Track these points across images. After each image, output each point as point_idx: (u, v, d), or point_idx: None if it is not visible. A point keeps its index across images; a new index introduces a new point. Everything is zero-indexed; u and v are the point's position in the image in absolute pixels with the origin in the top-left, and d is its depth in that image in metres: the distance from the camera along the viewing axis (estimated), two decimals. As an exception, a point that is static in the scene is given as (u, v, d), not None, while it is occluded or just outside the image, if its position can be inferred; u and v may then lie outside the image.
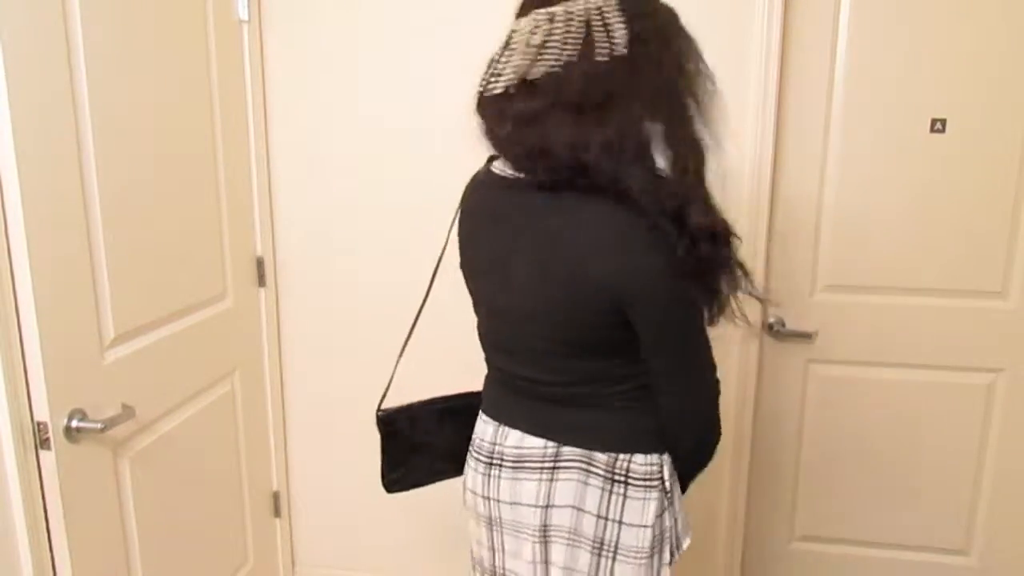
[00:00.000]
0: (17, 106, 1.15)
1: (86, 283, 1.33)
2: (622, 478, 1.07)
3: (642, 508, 1.07)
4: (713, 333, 1.04)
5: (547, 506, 1.11)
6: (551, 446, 1.10)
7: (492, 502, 1.17)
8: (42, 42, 1.21)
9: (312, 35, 1.89)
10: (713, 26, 1.75)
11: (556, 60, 0.91)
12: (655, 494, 1.07)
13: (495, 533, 1.19)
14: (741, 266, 0.99)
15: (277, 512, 2.13)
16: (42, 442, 1.25)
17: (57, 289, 1.25)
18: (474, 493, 1.20)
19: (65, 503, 1.28)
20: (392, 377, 1.35)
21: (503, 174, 1.05)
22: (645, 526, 1.07)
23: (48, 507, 1.28)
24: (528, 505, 1.12)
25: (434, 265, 1.30)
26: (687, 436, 1.09)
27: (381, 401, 1.33)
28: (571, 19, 0.91)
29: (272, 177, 1.98)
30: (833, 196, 1.86)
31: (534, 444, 1.11)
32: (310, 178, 1.98)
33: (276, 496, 2.11)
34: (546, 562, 1.14)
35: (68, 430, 1.28)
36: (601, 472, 1.08)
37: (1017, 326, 1.86)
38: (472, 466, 1.21)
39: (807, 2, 1.77)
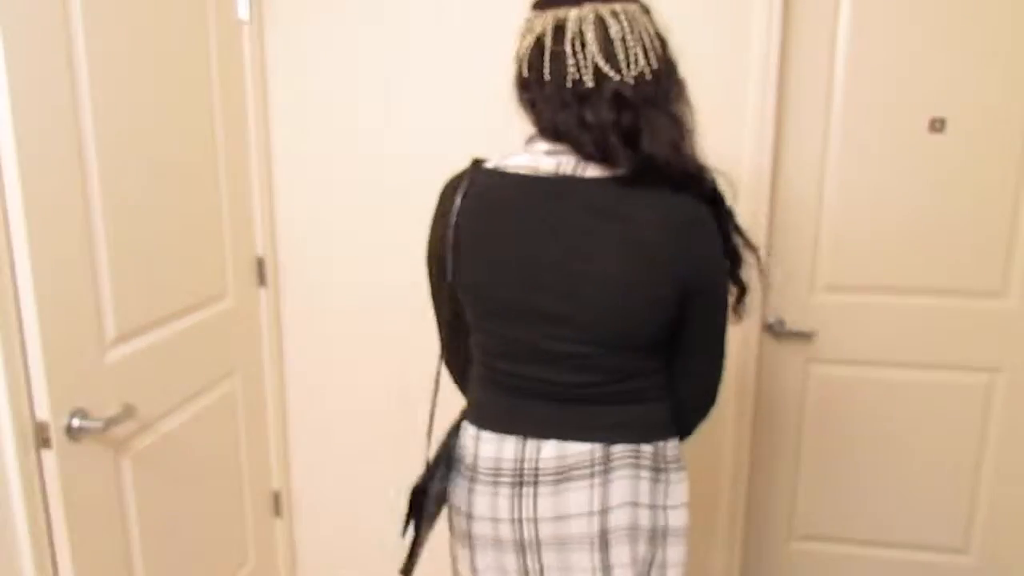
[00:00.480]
0: (18, 106, 1.15)
1: (87, 283, 1.33)
2: (664, 465, 1.11)
3: (680, 489, 1.13)
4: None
5: (603, 510, 1.07)
6: (599, 448, 1.06)
7: (525, 523, 1.08)
8: (43, 42, 1.21)
9: (313, 35, 1.90)
10: (713, 26, 1.75)
11: (636, 58, 0.94)
12: (684, 473, 1.13)
13: (529, 555, 1.10)
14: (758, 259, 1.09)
15: (277, 512, 2.13)
16: (43, 441, 1.25)
17: (58, 289, 1.25)
18: (494, 519, 1.10)
19: (66, 502, 1.28)
20: (430, 434, 1.17)
21: (537, 174, 1.01)
22: (684, 504, 1.14)
23: (49, 506, 1.28)
24: (580, 515, 1.07)
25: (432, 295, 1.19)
26: (694, 416, 1.16)
27: (427, 471, 1.14)
28: (633, 20, 0.95)
29: (272, 177, 1.98)
30: (833, 196, 1.86)
31: (579, 450, 1.06)
32: (310, 178, 1.98)
33: (276, 496, 2.12)
34: (606, 566, 1.09)
35: (69, 429, 1.28)
36: (648, 463, 1.09)
37: (1017, 326, 1.87)
38: (486, 491, 1.10)
39: (807, 2, 1.77)
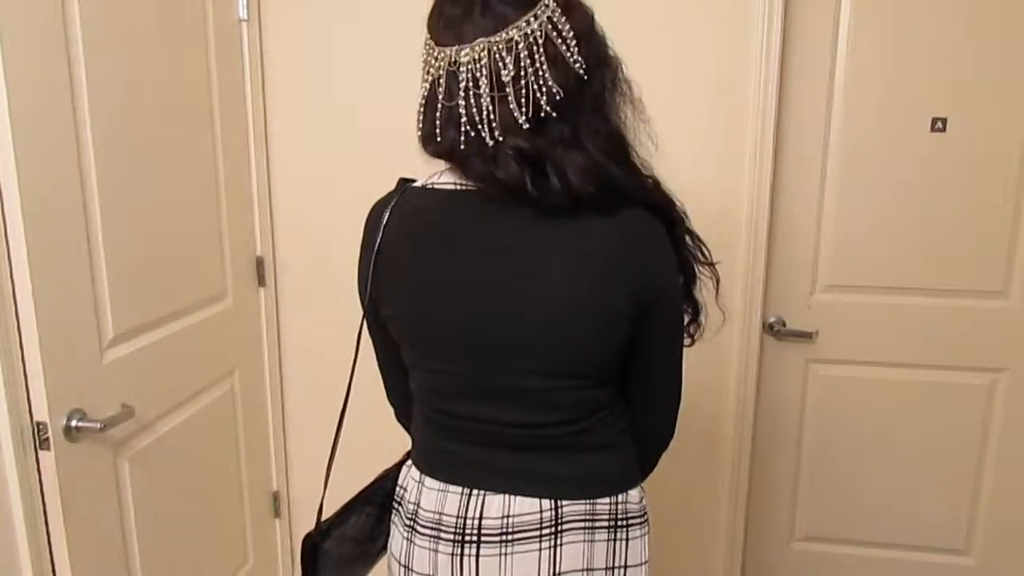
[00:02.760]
0: (16, 106, 1.15)
1: (85, 283, 1.33)
2: (623, 522, 1.01)
3: (640, 546, 1.03)
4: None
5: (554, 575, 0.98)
6: (549, 507, 0.96)
7: None
8: (41, 42, 1.21)
9: (312, 34, 1.89)
10: (713, 27, 1.75)
11: (534, 100, 0.84)
12: (647, 527, 1.04)
13: None
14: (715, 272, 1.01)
15: (277, 512, 2.13)
16: (41, 442, 1.24)
17: (56, 289, 1.25)
18: None
19: (64, 503, 1.28)
20: (330, 469, 1.14)
21: (469, 188, 0.91)
22: (645, 563, 1.04)
23: (47, 507, 1.27)
24: None
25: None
26: (653, 448, 1.07)
27: (319, 517, 1.11)
28: (533, 45, 0.84)
29: (272, 177, 1.98)
30: (833, 195, 1.86)
31: (529, 509, 0.96)
32: (310, 178, 1.97)
33: (276, 496, 2.11)
34: None
35: (67, 430, 1.28)
36: (605, 523, 1.00)
37: (1017, 326, 1.86)
38: (426, 545, 1.00)
39: (807, 2, 1.77)
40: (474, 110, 0.85)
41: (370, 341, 1.10)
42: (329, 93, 1.92)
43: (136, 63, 1.44)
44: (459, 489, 0.99)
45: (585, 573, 0.99)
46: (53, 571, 1.30)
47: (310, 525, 2.35)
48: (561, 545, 0.97)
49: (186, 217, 1.63)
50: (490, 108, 0.84)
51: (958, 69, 1.74)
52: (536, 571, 0.97)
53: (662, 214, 0.92)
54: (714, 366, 1.91)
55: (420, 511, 1.02)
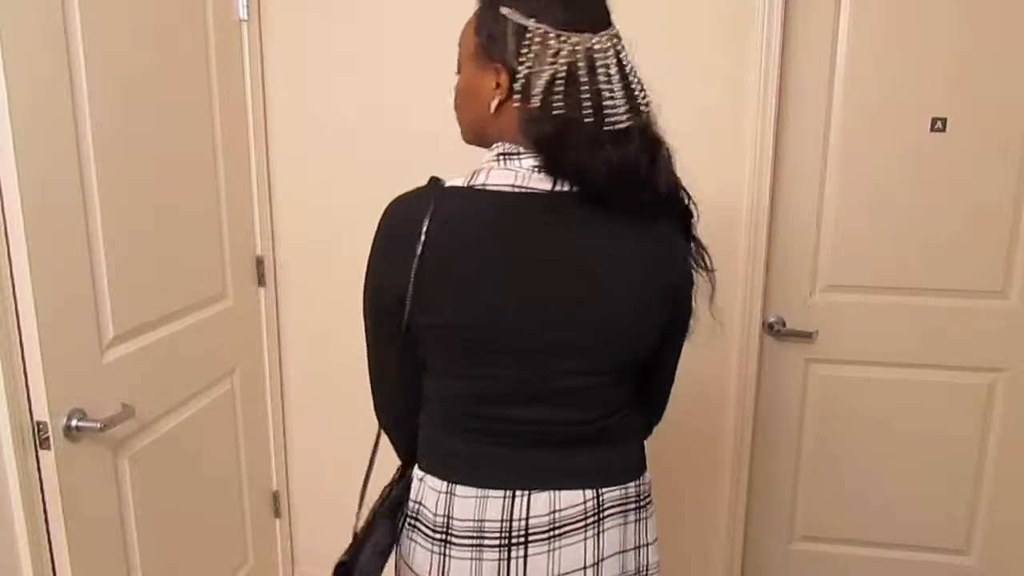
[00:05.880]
0: (16, 106, 1.15)
1: (86, 282, 1.33)
2: (644, 503, 1.07)
3: (654, 523, 1.09)
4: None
5: (597, 563, 1.00)
6: (592, 496, 0.99)
7: None
8: (42, 42, 1.21)
9: (312, 34, 1.89)
10: (713, 27, 1.75)
11: (643, 90, 0.92)
12: (654, 506, 1.11)
13: None
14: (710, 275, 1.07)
15: (277, 512, 2.13)
16: (42, 442, 1.24)
17: (57, 288, 1.25)
18: None
19: (65, 503, 1.28)
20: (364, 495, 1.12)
21: (528, 192, 0.90)
22: (656, 539, 1.10)
23: (47, 507, 1.27)
24: (575, 571, 0.99)
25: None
26: (656, 419, 1.18)
27: (354, 540, 1.10)
28: (623, 47, 0.92)
29: (272, 177, 1.98)
30: (833, 195, 1.86)
31: (573, 501, 0.98)
32: (310, 178, 1.97)
33: (276, 496, 2.11)
34: None
35: (68, 430, 1.28)
36: (633, 505, 1.05)
37: (1017, 326, 1.86)
38: (466, 555, 0.98)
39: (807, 3, 1.77)
40: (614, 93, 0.88)
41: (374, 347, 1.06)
42: (329, 93, 1.92)
43: (136, 63, 1.44)
44: (500, 493, 0.97)
45: (621, 555, 1.03)
46: (53, 571, 1.30)
47: (310, 525, 2.36)
48: (604, 531, 1.01)
49: (186, 217, 1.63)
50: (620, 91, 0.89)
51: (958, 69, 1.75)
52: (583, 561, 0.99)
53: (684, 221, 0.99)
54: (714, 366, 1.91)
55: (454, 522, 0.98)
